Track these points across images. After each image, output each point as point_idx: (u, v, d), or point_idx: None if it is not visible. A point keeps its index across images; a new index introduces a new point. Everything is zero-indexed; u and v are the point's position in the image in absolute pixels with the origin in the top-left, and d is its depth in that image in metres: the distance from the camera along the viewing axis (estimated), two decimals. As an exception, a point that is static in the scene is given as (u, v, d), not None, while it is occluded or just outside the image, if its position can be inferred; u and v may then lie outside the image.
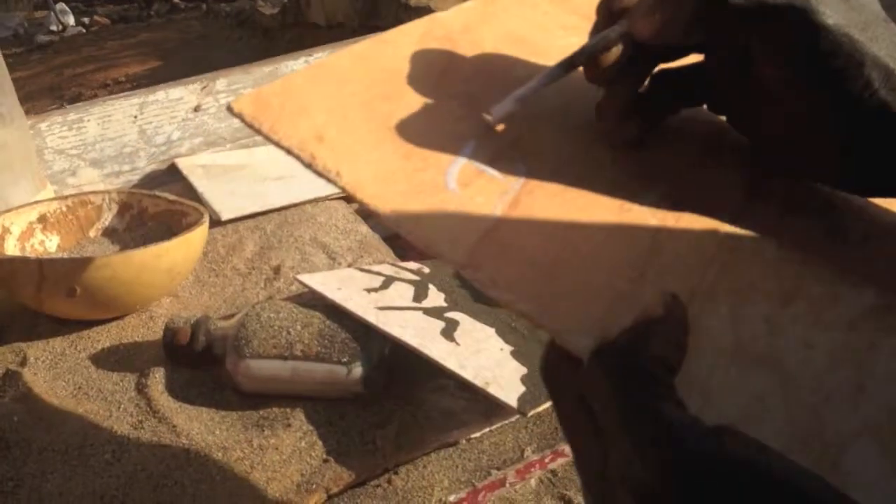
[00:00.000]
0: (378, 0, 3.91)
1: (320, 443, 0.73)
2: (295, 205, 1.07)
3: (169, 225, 0.93)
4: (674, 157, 0.43)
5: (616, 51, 0.38)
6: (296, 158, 0.38)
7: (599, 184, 0.40)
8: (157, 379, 0.80)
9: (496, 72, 0.45)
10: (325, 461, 0.71)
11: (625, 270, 0.36)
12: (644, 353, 0.29)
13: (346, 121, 0.40)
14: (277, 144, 0.38)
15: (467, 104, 0.43)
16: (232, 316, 0.83)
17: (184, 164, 1.12)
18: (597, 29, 0.40)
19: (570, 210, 0.38)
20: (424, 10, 3.74)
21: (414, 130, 0.40)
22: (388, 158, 0.38)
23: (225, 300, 0.93)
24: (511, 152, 0.40)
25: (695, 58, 0.41)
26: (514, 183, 0.39)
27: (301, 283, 0.85)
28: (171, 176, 1.14)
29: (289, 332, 0.77)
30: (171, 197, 0.95)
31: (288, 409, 0.76)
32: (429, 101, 0.42)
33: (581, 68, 0.40)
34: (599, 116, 0.41)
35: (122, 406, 0.77)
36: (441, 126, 0.41)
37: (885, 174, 0.38)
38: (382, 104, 0.41)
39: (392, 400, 0.77)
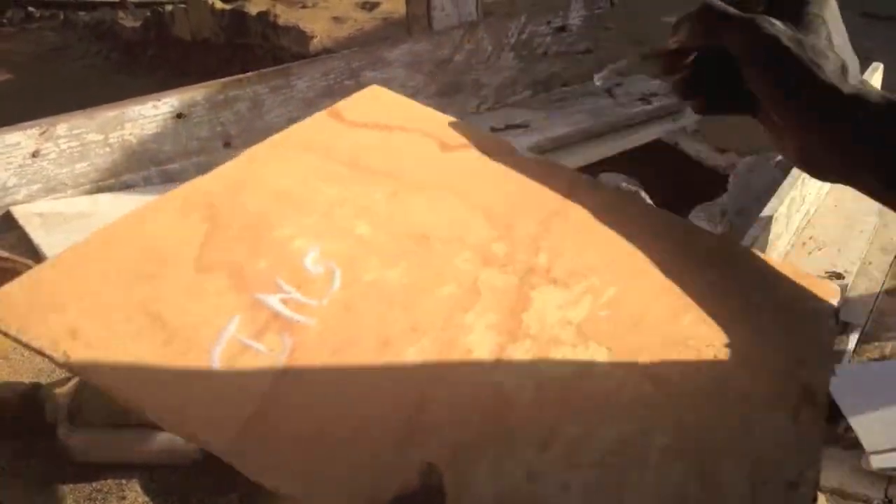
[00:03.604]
0: (246, 17, 3.85)
1: (157, 515, 0.71)
2: (140, 256, 1.04)
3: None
4: (440, 305, 0.44)
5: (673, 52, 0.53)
6: (49, 359, 0.36)
7: (367, 344, 0.41)
8: (-18, 452, 0.76)
9: (260, 234, 0.45)
10: (161, 535, 0.70)
11: (392, 436, 0.37)
12: None
13: (103, 310, 0.38)
14: (28, 346, 0.36)
15: (232, 274, 0.42)
16: (66, 381, 0.80)
17: (20, 213, 1.07)
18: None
19: (336, 379, 0.39)
20: (293, 30, 3.70)
21: (174, 311, 0.39)
22: (147, 346, 0.37)
23: (60, 362, 0.90)
24: (276, 324, 0.40)
25: None
26: (280, 355, 0.39)
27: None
28: (5, 225, 1.08)
29: (126, 400, 0.75)
30: (3, 253, 0.90)
31: (123, 480, 0.74)
32: (190, 277, 0.41)
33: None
34: (674, 93, 0.53)
35: (-57, 483, 0.74)
36: (203, 302, 0.40)
37: (824, 160, 0.47)
38: (141, 286, 0.40)
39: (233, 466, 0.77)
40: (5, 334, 0.36)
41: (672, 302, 0.49)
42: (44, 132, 1.08)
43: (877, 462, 0.76)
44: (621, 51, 1.99)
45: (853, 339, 0.96)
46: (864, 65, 1.36)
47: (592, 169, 1.42)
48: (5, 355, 0.89)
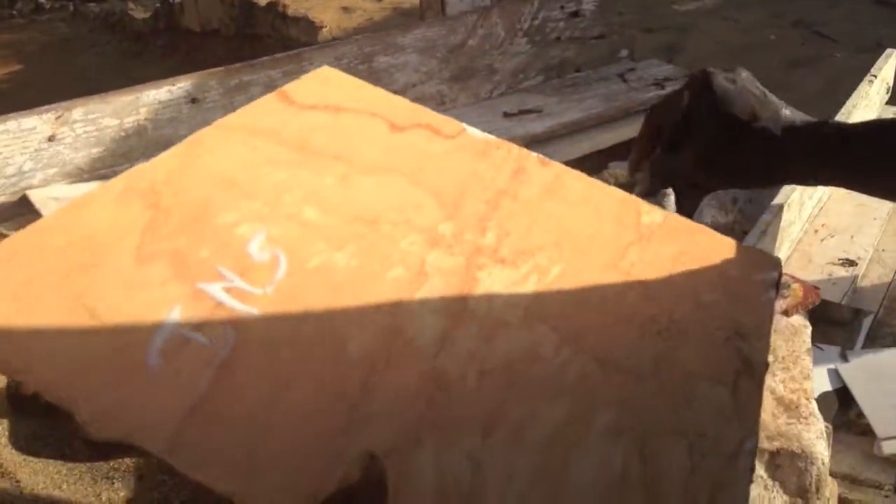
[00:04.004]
0: (255, 8, 3.85)
1: (174, 494, 0.72)
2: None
3: (17, 265, 0.90)
4: (387, 289, 0.43)
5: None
6: None
7: (311, 333, 0.40)
8: (1, 431, 0.77)
9: (204, 221, 0.44)
10: (179, 513, 0.70)
11: (333, 426, 0.36)
12: None
13: (39, 305, 0.37)
14: None
15: (173, 263, 0.41)
16: (83, 362, 0.80)
17: (36, 197, 1.08)
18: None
19: (278, 370, 0.38)
20: (302, 21, 3.70)
21: (112, 304, 0.37)
22: (85, 342, 0.36)
23: (77, 343, 0.90)
24: (219, 313, 0.39)
25: None
26: (223, 348, 0.38)
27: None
28: (22, 209, 1.09)
29: (142, 380, 0.76)
30: (20, 236, 0.91)
31: (140, 460, 0.74)
32: (129, 266, 0.40)
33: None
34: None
35: (-38, 461, 0.74)
36: (143, 293, 0.39)
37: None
38: (78, 279, 0.38)
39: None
40: None
41: (617, 279, 0.49)
42: (59, 117, 1.09)
43: (888, 448, 0.76)
44: (632, 37, 1.99)
45: (866, 325, 0.96)
46: (878, 52, 1.36)
47: (603, 155, 1.42)
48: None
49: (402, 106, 0.56)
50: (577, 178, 0.55)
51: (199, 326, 0.38)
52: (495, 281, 0.46)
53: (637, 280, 0.49)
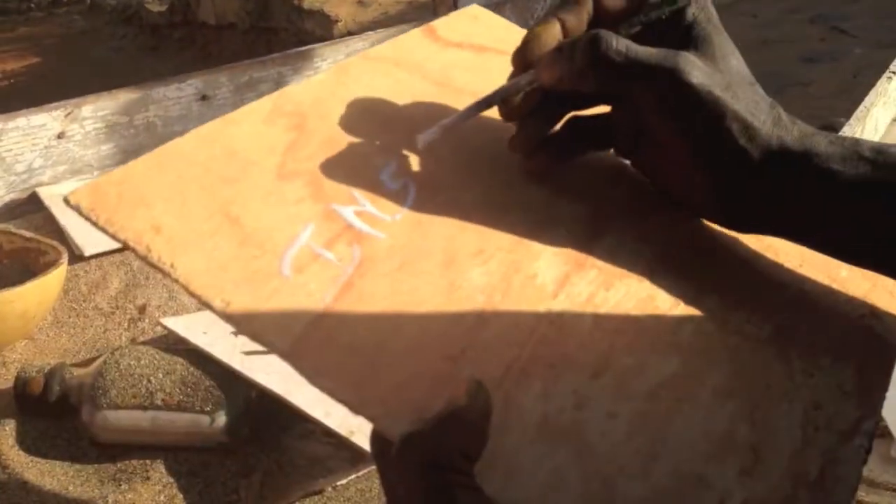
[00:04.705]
0: (270, 1, 3.85)
1: (181, 496, 0.71)
2: (164, 238, 1.04)
3: (26, 263, 0.90)
4: (512, 229, 0.44)
5: (525, 94, 0.44)
6: (132, 251, 0.37)
7: (433, 261, 0.41)
8: (8, 431, 0.76)
9: (341, 146, 0.45)
10: (185, 516, 0.70)
11: (446, 351, 0.38)
12: (446, 443, 0.32)
13: (185, 208, 0.39)
14: (114, 237, 0.37)
15: (311, 183, 0.42)
16: (90, 362, 0.80)
17: (46, 194, 1.08)
18: (512, 76, 0.45)
19: (399, 293, 0.39)
20: (318, 14, 3.70)
21: (252, 215, 0.40)
22: (223, 246, 0.38)
23: (85, 342, 0.90)
24: (348, 234, 0.41)
25: (604, 108, 0.46)
26: (349, 266, 0.39)
27: (165, 327, 0.83)
28: (31, 206, 1.09)
29: (149, 381, 0.75)
30: (28, 234, 0.91)
31: (147, 461, 0.74)
32: (270, 181, 0.42)
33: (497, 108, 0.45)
34: (511, 148, 0.46)
35: (-31, 461, 0.74)
36: (280, 208, 0.41)
37: (752, 214, 0.43)
38: (223, 188, 0.41)
39: (257, 447, 0.77)
40: (94, 224, 0.37)
41: (749, 245, 0.48)
42: (69, 114, 1.09)
43: (907, 451, 0.75)
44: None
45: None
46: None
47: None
48: (30, 336, 0.90)
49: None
50: None
51: (330, 244, 0.40)
52: (622, 232, 0.46)
53: (769, 247, 0.48)
